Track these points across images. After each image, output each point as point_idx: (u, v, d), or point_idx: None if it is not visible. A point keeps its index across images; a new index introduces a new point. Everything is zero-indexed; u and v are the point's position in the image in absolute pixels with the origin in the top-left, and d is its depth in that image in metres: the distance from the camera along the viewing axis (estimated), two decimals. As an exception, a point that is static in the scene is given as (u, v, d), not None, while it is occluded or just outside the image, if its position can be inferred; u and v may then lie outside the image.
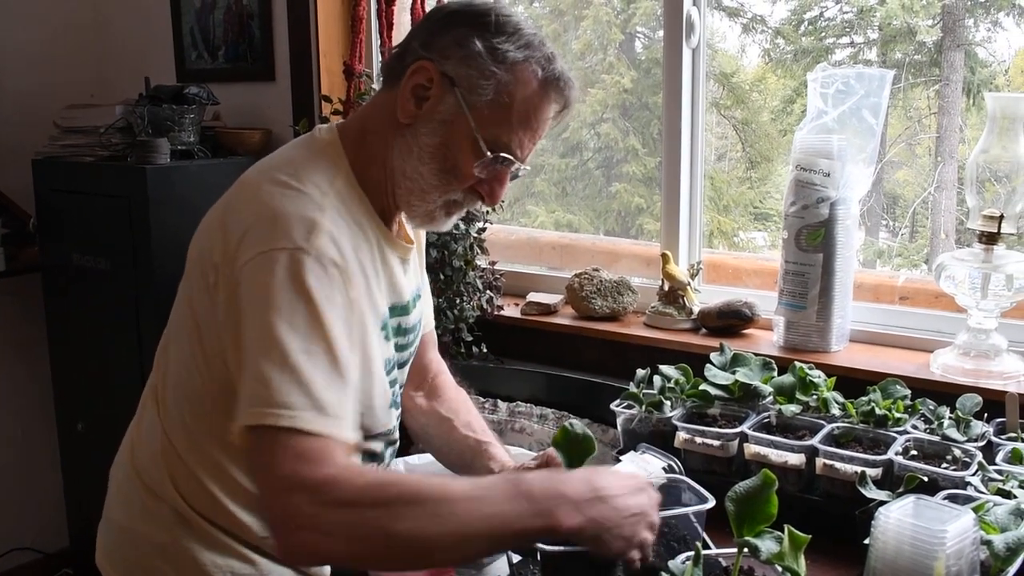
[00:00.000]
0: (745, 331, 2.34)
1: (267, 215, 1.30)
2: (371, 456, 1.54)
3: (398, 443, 1.64)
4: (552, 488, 1.25)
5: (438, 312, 2.41)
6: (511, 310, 2.63)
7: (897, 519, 1.26)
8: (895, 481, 1.54)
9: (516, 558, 1.50)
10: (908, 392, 1.79)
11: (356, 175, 1.43)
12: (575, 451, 1.44)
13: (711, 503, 1.47)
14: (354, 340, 1.30)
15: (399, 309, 1.52)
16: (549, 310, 2.60)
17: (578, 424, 1.45)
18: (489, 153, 1.38)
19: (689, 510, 1.49)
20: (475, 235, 2.55)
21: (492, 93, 1.36)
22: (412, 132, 1.39)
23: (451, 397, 1.81)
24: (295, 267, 1.25)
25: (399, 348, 1.55)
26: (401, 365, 1.59)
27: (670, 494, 1.56)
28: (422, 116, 1.39)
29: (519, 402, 2.43)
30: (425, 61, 1.37)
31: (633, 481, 1.34)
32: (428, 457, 2.02)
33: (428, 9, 2.69)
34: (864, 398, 1.77)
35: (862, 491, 1.49)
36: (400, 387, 1.61)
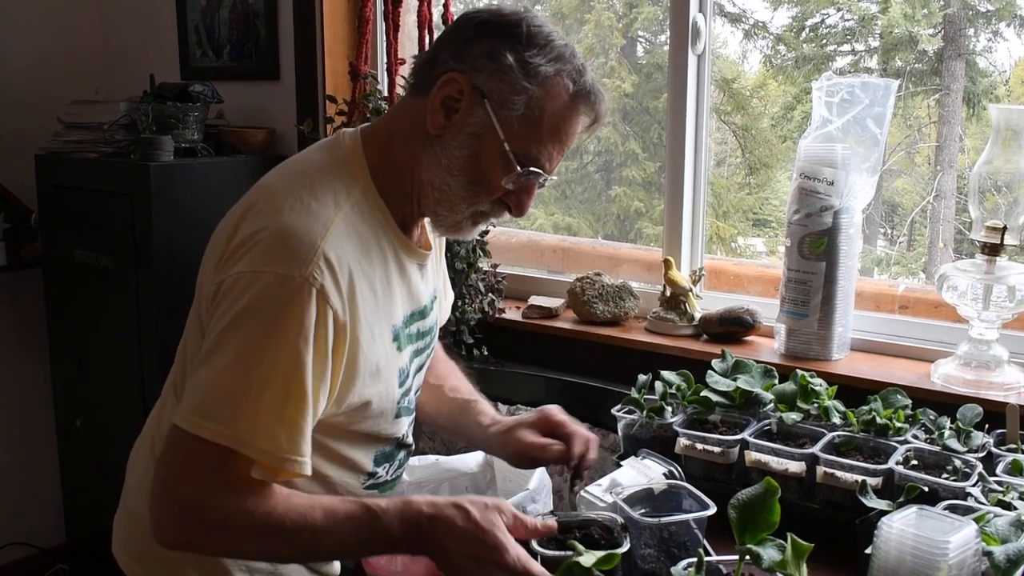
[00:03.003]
0: (746, 338, 2.35)
1: (272, 232, 1.32)
2: (385, 457, 1.56)
3: (412, 446, 1.66)
4: (408, 528, 1.31)
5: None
6: (512, 313, 2.64)
7: (899, 529, 1.27)
8: (895, 491, 1.54)
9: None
10: (909, 402, 1.79)
11: (377, 184, 1.44)
12: None
13: (712, 510, 1.48)
14: (324, 374, 1.32)
15: (417, 315, 1.54)
16: (550, 314, 2.60)
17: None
18: (519, 167, 1.38)
19: (690, 516, 1.50)
20: (478, 238, 2.55)
21: (523, 108, 1.36)
22: (441, 144, 1.39)
23: (439, 369, 1.83)
24: (283, 294, 1.27)
25: (417, 353, 1.56)
26: (419, 369, 1.60)
27: (671, 500, 1.57)
28: (452, 128, 1.38)
29: (519, 405, 2.43)
30: (456, 73, 1.37)
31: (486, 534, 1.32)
32: (429, 459, 2.03)
33: (435, 12, 2.70)
34: (865, 407, 1.78)
35: (862, 500, 1.50)
36: (416, 393, 1.62)
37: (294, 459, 1.28)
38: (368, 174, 1.44)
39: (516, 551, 1.30)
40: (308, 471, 1.30)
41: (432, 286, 1.61)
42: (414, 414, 1.62)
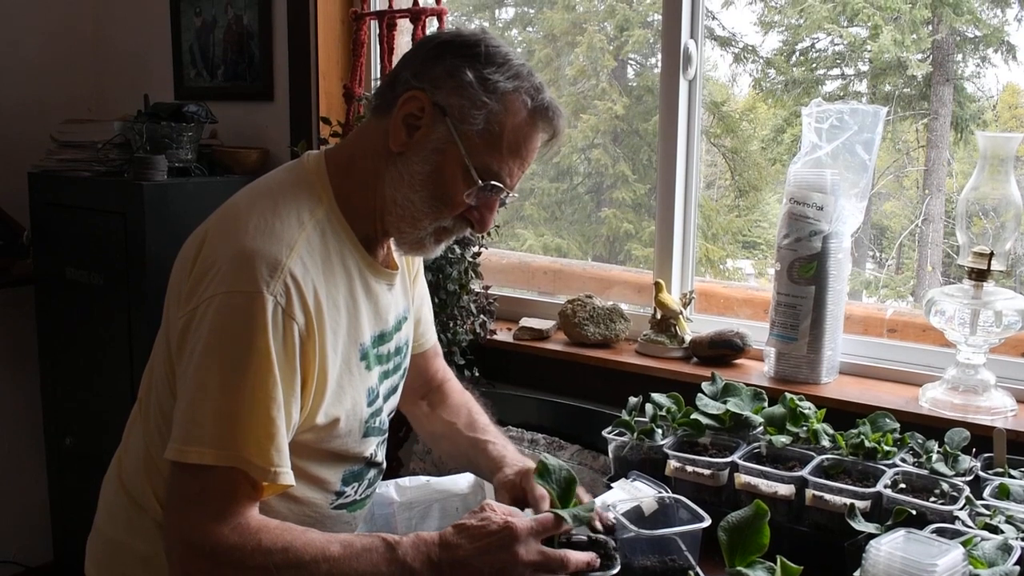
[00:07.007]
0: (736, 361, 2.36)
1: (237, 253, 1.34)
2: (354, 477, 1.57)
3: (383, 466, 1.66)
4: (423, 556, 1.32)
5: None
6: (504, 335, 2.65)
7: (887, 552, 1.27)
8: (883, 514, 1.55)
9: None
10: (897, 425, 1.80)
11: (340, 203, 1.46)
12: (560, 483, 1.45)
13: (706, 522, 1.48)
14: (295, 389, 1.34)
15: (386, 336, 1.56)
16: (542, 336, 2.61)
17: (552, 458, 1.45)
18: (480, 181, 1.41)
19: (686, 529, 1.51)
20: (470, 259, 2.56)
21: (483, 123, 1.39)
22: (404, 161, 1.42)
23: (454, 401, 1.85)
24: (252, 313, 1.30)
25: (385, 375, 1.57)
26: (391, 392, 1.61)
27: (665, 514, 1.58)
28: (413, 145, 1.42)
29: (510, 427, 2.43)
30: (417, 91, 1.40)
31: (497, 537, 1.33)
32: (420, 479, 2.02)
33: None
34: (854, 430, 1.79)
35: (851, 523, 1.50)
36: (388, 415, 1.63)
37: (281, 471, 1.31)
38: (332, 194, 1.46)
39: (518, 525, 1.33)
40: (292, 480, 1.33)
41: (401, 307, 1.62)
42: (386, 435, 1.63)
